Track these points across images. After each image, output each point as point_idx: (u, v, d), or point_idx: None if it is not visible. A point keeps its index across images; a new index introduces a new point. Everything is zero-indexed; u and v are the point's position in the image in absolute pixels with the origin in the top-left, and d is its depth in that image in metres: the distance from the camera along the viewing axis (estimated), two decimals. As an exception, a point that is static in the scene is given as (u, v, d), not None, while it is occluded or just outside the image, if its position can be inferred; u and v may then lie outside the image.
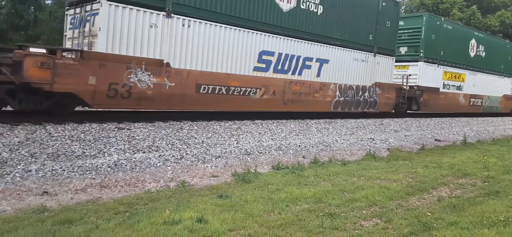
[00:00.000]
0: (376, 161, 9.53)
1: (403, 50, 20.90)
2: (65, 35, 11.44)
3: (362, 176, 7.59)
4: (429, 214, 5.36)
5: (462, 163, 9.56)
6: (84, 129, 8.72)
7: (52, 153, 7.19)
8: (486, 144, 14.29)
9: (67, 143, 7.73)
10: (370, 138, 12.72)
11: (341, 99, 15.72)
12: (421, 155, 10.93)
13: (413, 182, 7.34)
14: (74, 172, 6.65)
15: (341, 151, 10.66)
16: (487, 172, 8.49)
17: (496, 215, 5.25)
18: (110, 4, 9.58)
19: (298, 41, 13.95)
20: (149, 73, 10.18)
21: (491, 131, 18.53)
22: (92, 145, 7.87)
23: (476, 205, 5.85)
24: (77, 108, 10.60)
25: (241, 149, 9.28)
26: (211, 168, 7.88)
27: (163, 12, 10.46)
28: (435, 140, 14.43)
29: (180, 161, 8.02)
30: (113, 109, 10.83)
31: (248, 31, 12.43)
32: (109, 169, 7.00)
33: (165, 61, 10.57)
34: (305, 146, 10.51)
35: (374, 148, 11.39)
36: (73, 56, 9.11)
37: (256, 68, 12.86)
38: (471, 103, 24.35)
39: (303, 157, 9.47)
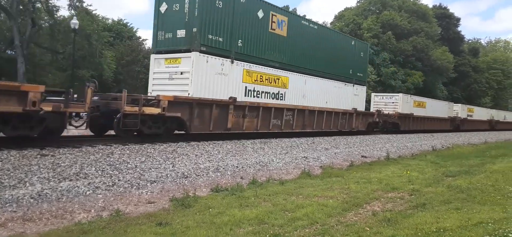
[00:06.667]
0: (311, 178, 9.78)
1: None
2: None
3: (300, 194, 7.72)
4: (368, 229, 5.57)
5: (388, 177, 10.13)
6: (2, 157, 7.87)
7: (-38, 185, 6.37)
8: (407, 159, 15.38)
9: (-20, 173, 6.91)
10: (304, 157, 13.06)
11: None
12: (351, 171, 11.42)
13: (348, 197, 7.60)
14: (-10, 205, 5.92)
15: (278, 170, 10.79)
16: (412, 185, 9.09)
17: (428, 226, 5.60)
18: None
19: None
20: None
21: (410, 147, 20.04)
22: (12, 174, 7.10)
23: (408, 217, 6.20)
24: None
25: (178, 172, 8.98)
26: (147, 194, 7.50)
27: None
28: (362, 156, 15.23)
29: (112, 188, 7.52)
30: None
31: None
32: (32, 200, 6.33)
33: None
34: (242, 167, 10.48)
35: (308, 166, 11.69)
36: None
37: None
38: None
39: (241, 177, 9.41)
